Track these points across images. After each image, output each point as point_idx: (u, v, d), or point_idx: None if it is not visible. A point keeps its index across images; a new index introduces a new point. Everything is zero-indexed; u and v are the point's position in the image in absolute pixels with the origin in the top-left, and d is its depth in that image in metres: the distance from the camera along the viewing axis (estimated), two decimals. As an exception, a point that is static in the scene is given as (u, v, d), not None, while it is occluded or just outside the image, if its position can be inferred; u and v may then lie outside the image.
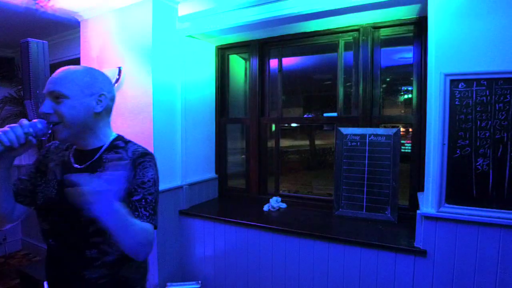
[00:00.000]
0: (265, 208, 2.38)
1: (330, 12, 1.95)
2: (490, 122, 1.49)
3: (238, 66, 3.00)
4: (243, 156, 2.83)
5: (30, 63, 2.05)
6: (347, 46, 2.30)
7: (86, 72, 1.00)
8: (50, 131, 0.95)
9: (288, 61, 3.06)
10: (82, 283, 0.96)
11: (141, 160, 1.02)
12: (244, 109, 2.90)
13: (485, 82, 1.49)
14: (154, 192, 1.01)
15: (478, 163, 1.52)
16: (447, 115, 1.56)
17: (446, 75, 1.55)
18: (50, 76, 0.97)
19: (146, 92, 2.23)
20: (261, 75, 2.61)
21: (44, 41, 2.13)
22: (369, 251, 1.75)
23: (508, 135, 1.46)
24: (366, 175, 2.10)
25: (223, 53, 2.78)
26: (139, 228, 0.89)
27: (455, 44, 1.54)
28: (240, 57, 2.96)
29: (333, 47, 2.39)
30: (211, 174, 2.77)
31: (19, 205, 1.04)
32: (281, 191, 2.61)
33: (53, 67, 3.01)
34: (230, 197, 2.76)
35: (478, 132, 1.51)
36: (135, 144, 1.10)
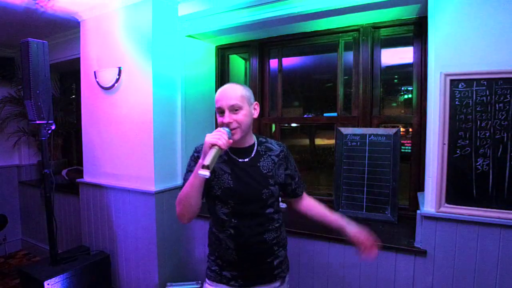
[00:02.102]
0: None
1: (330, 12, 1.95)
2: (490, 122, 1.49)
3: (238, 66, 3.00)
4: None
5: (30, 63, 2.05)
6: (347, 46, 2.30)
7: (246, 88, 1.30)
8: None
9: (288, 61, 3.05)
10: (263, 244, 1.29)
11: (289, 152, 1.41)
12: (244, 109, 2.90)
13: (485, 82, 1.49)
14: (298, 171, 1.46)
15: (478, 163, 1.52)
16: (447, 115, 1.56)
17: (446, 75, 1.55)
18: (220, 91, 1.26)
19: (146, 92, 2.23)
20: (261, 75, 2.61)
21: (44, 41, 2.13)
22: (369, 251, 1.75)
23: (508, 135, 1.46)
24: (366, 175, 2.10)
25: (223, 53, 2.78)
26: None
27: (455, 44, 1.54)
28: (240, 57, 2.96)
29: (333, 47, 2.39)
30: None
31: None
32: (281, 191, 2.60)
33: (53, 67, 3.01)
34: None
35: (478, 132, 1.51)
36: (269, 138, 1.43)
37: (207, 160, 1.05)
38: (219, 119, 1.24)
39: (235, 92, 1.24)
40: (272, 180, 1.30)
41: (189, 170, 1.31)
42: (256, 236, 1.29)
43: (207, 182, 1.27)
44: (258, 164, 1.31)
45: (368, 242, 1.30)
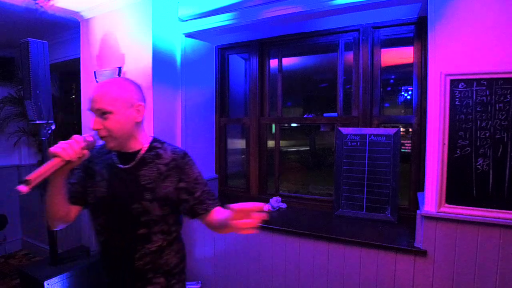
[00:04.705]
0: (265, 208, 2.38)
1: (330, 12, 1.95)
2: (490, 122, 1.49)
3: (238, 66, 2.99)
4: (243, 156, 2.82)
5: (30, 63, 2.05)
6: (347, 46, 2.30)
7: (124, 86, 1.11)
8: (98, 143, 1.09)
9: (288, 61, 3.05)
10: (133, 269, 1.12)
11: (186, 160, 1.17)
12: (244, 109, 2.90)
13: (485, 82, 1.49)
14: (206, 182, 1.20)
15: (478, 163, 1.52)
16: (447, 115, 1.56)
17: (446, 75, 1.55)
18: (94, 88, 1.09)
19: (146, 92, 2.23)
20: (261, 75, 2.60)
21: (44, 41, 2.13)
22: (369, 251, 1.75)
23: (508, 135, 1.46)
24: (366, 175, 2.10)
25: (223, 53, 2.78)
26: None
27: (455, 44, 1.54)
28: (240, 57, 2.96)
29: (333, 47, 2.39)
30: (211, 174, 2.77)
31: (73, 206, 1.16)
32: (281, 191, 2.61)
33: (53, 67, 3.01)
34: (230, 197, 2.76)
35: (478, 132, 1.51)
36: (169, 143, 1.23)
37: (33, 174, 0.89)
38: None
39: (104, 94, 1.06)
40: (149, 194, 1.10)
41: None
42: (125, 258, 1.12)
43: (84, 187, 1.16)
44: (139, 173, 1.12)
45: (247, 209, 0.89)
